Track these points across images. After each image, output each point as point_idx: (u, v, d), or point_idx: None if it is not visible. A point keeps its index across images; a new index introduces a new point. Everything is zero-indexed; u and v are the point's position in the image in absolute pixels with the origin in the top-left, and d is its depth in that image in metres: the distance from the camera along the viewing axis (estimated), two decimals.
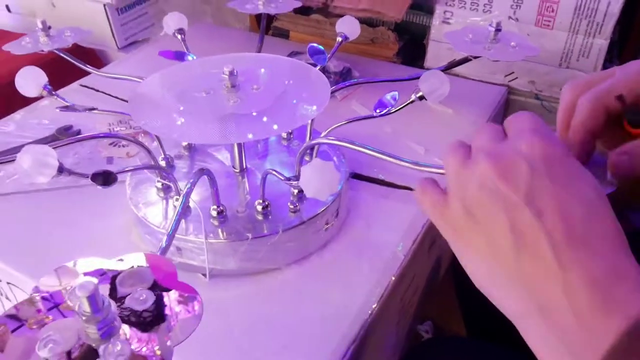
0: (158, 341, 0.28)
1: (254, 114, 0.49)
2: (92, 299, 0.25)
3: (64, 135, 0.73)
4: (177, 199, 0.53)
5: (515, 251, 0.28)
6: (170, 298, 0.30)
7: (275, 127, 0.48)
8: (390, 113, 0.54)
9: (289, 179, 0.48)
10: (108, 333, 0.26)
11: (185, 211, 0.53)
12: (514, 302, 0.30)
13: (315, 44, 0.65)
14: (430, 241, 0.61)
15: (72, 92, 0.84)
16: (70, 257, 0.55)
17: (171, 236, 0.38)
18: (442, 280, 0.77)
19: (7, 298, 0.59)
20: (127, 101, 0.79)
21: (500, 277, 0.30)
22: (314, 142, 0.50)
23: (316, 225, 0.53)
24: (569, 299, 0.26)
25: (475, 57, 0.62)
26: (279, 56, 0.62)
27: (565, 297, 0.26)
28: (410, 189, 0.62)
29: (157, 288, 0.30)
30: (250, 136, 0.46)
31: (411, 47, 0.91)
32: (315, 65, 0.62)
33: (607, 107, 0.36)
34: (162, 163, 0.59)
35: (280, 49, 0.90)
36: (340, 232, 0.56)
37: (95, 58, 1.06)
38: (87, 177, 0.43)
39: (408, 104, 0.54)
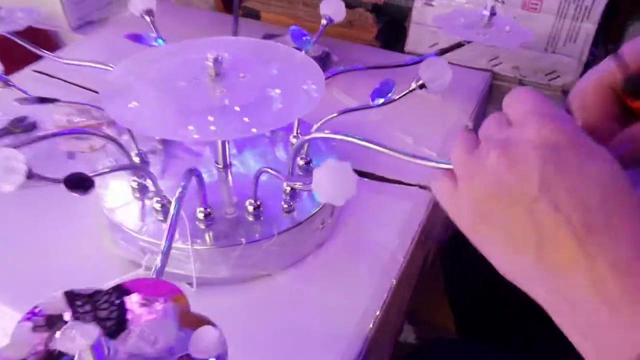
0: None
1: (238, 106, 0.44)
2: (97, 348, 0.20)
3: (18, 128, 0.66)
4: (157, 201, 0.48)
5: (536, 244, 0.27)
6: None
7: (271, 121, 0.43)
8: (390, 102, 0.50)
9: (291, 180, 0.44)
10: None
11: (171, 217, 0.48)
12: (541, 295, 0.28)
13: (296, 27, 0.60)
14: (425, 237, 0.58)
15: (23, 78, 0.76)
16: (38, 265, 0.49)
17: (166, 254, 0.33)
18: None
19: None
20: (85, 88, 0.74)
21: (524, 270, 0.29)
22: (309, 137, 0.46)
23: (312, 226, 0.49)
24: (597, 289, 0.25)
25: (468, 42, 0.59)
26: (260, 40, 0.58)
27: (594, 288, 0.25)
28: (403, 183, 0.59)
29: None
30: (254, 130, 0.41)
31: (390, 29, 0.87)
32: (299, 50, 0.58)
33: (612, 86, 0.34)
34: (136, 159, 0.54)
35: (253, 31, 0.84)
36: (335, 231, 0.53)
37: (48, 39, 0.98)
38: (60, 182, 0.37)
39: (409, 92, 0.50)
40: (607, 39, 0.76)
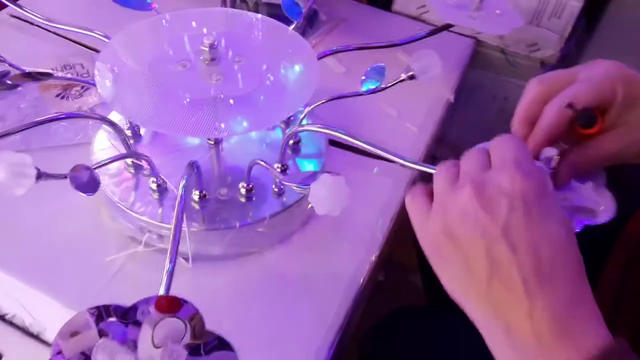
0: None
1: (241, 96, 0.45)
2: None
3: (3, 85, 0.65)
4: (153, 181, 0.50)
5: (488, 276, 0.32)
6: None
7: (271, 116, 0.45)
8: (380, 90, 0.52)
9: (286, 180, 0.46)
10: None
11: (163, 194, 0.51)
12: (482, 319, 0.33)
13: None
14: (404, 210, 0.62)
15: (1, 23, 0.74)
16: (36, 238, 0.51)
17: (171, 273, 0.35)
18: None
19: None
20: (70, 40, 0.72)
21: (472, 295, 0.33)
22: (301, 129, 0.48)
23: (300, 207, 0.52)
24: (532, 323, 0.30)
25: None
26: (251, 14, 0.57)
27: (529, 322, 0.30)
28: (386, 159, 0.61)
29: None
30: (245, 124, 0.43)
31: None
32: (290, 22, 0.58)
33: (570, 116, 0.38)
34: (128, 133, 0.55)
35: None
36: None
37: None
38: (65, 177, 0.39)
39: (397, 82, 0.52)
40: (588, 14, 0.78)
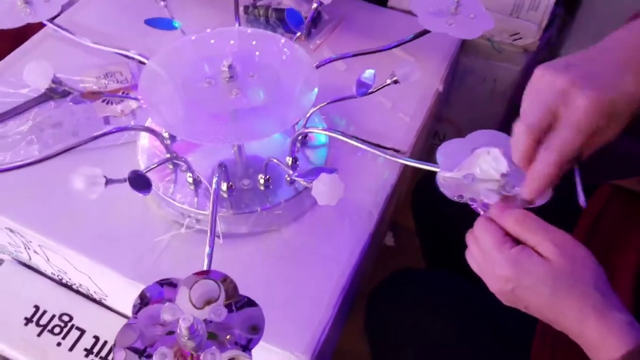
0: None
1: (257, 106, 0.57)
2: (192, 328, 0.36)
3: (55, 94, 0.77)
4: (190, 176, 0.62)
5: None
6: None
7: (281, 121, 0.56)
8: (369, 94, 0.63)
9: (295, 177, 0.58)
10: (201, 347, 0.38)
11: (198, 186, 0.63)
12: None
13: (292, 9, 0.70)
14: (397, 189, 0.74)
15: (47, 36, 0.85)
16: (99, 222, 0.64)
17: (210, 255, 0.48)
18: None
19: (46, 257, 0.69)
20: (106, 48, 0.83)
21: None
22: (305, 131, 0.59)
23: (309, 191, 0.64)
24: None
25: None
26: (261, 31, 0.67)
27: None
28: (380, 146, 0.72)
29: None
30: (258, 134, 0.55)
31: None
32: (294, 33, 0.68)
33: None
34: (166, 135, 0.67)
35: None
36: None
37: None
38: (124, 182, 0.51)
39: (384, 86, 0.62)
40: (567, 1, 0.86)
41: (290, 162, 0.63)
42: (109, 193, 0.67)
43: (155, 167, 0.55)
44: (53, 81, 0.65)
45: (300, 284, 0.60)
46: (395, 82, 0.61)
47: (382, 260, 1.01)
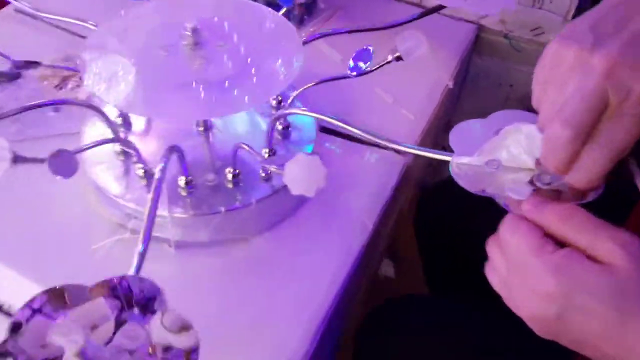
0: None
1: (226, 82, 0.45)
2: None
3: (2, 77, 0.66)
4: (140, 168, 0.50)
5: None
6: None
7: (251, 98, 0.44)
8: (367, 73, 0.51)
9: (267, 162, 0.46)
10: None
11: (151, 181, 0.51)
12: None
13: None
14: (397, 196, 0.61)
15: (6, 18, 0.75)
16: (25, 225, 0.52)
17: (143, 254, 0.35)
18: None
19: None
20: (72, 33, 0.73)
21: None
22: (286, 112, 0.47)
23: (288, 192, 0.51)
24: None
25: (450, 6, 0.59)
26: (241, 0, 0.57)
27: None
28: (379, 147, 0.60)
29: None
30: (222, 111, 0.43)
31: None
32: (279, 7, 0.57)
33: None
34: (118, 120, 0.55)
35: None
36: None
37: None
38: (43, 161, 0.39)
39: (384, 64, 0.51)
40: None
41: (267, 155, 0.51)
42: (40, 190, 0.56)
43: (90, 147, 0.44)
44: (13, 63, 0.55)
45: (271, 308, 0.47)
46: (398, 58, 0.50)
47: (378, 292, 0.88)
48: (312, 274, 0.50)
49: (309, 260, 0.51)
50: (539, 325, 0.33)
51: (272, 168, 0.43)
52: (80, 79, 0.67)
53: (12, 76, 0.67)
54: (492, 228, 0.36)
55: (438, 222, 0.67)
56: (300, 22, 0.76)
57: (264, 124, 0.57)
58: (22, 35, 0.74)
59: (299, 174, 0.37)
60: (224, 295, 0.48)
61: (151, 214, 0.38)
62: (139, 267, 0.35)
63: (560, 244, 0.33)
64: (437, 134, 0.71)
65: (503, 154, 0.37)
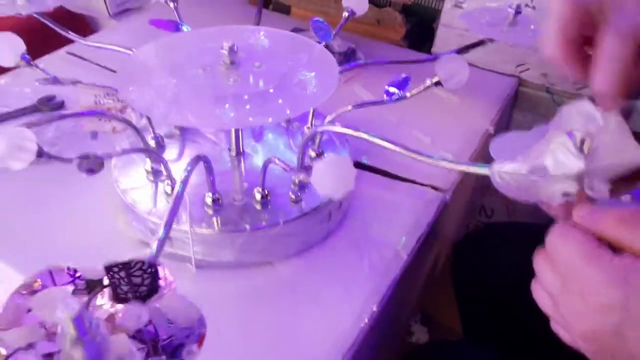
0: None
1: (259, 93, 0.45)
2: (79, 320, 0.21)
3: (45, 106, 0.68)
4: (168, 184, 0.49)
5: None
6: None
7: (284, 110, 0.43)
8: (404, 98, 0.50)
9: (295, 171, 0.44)
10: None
11: (174, 199, 0.49)
12: None
13: (319, 19, 0.60)
14: (433, 238, 0.58)
15: (58, 59, 0.79)
16: (52, 242, 0.51)
17: (163, 240, 0.34)
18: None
19: None
20: (114, 71, 0.76)
21: None
22: (320, 129, 0.46)
23: (318, 218, 0.49)
24: None
25: (491, 41, 0.58)
26: (280, 30, 0.58)
27: None
28: (415, 182, 0.58)
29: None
30: (250, 120, 0.42)
31: (418, 30, 0.86)
32: (318, 43, 0.58)
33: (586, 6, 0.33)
34: (152, 143, 0.55)
35: (281, 25, 0.84)
36: (341, 225, 0.53)
37: (85, 24, 1.01)
38: (69, 161, 0.38)
39: (423, 90, 0.50)
40: None
41: (297, 181, 0.50)
42: (70, 206, 0.55)
43: (120, 154, 0.43)
44: (50, 79, 0.56)
45: (291, 337, 0.44)
46: (437, 83, 0.49)
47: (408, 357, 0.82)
48: (338, 306, 0.46)
49: (336, 291, 0.47)
50: (593, 343, 0.29)
51: (301, 177, 0.41)
52: (121, 111, 0.69)
53: (55, 106, 0.69)
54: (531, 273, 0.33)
55: (476, 266, 0.62)
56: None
57: (296, 151, 0.56)
58: (71, 73, 0.77)
59: (328, 174, 0.35)
60: (244, 320, 0.45)
61: (172, 213, 0.36)
62: (157, 253, 0.32)
63: (614, 249, 0.29)
64: (477, 178, 0.68)
65: (548, 160, 0.34)
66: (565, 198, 0.33)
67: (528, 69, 0.77)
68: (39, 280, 0.28)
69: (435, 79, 0.48)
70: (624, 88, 0.32)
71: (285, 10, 0.94)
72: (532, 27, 0.56)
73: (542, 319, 0.33)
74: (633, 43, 0.31)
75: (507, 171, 0.35)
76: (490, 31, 0.56)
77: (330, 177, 0.35)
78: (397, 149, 0.42)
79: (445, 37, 0.81)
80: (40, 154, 0.37)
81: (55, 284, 0.29)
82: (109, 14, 0.98)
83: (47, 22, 0.59)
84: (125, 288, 0.31)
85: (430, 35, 0.83)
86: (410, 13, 0.85)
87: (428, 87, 0.49)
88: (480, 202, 0.95)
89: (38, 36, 0.64)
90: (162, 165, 0.48)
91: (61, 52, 0.80)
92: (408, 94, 0.50)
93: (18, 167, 0.36)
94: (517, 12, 0.56)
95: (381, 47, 0.84)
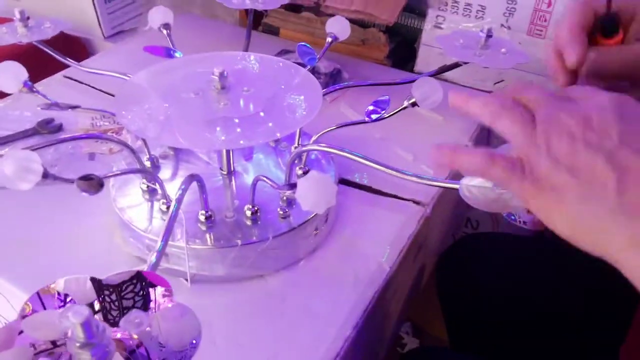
0: None
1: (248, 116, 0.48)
2: (87, 325, 0.24)
3: (45, 129, 0.71)
4: (163, 203, 0.52)
5: (616, 188, 0.29)
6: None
7: (274, 132, 0.47)
8: (383, 119, 0.53)
9: (281, 188, 0.47)
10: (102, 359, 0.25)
11: (170, 216, 0.52)
12: (614, 238, 0.30)
13: (304, 44, 0.64)
14: (416, 250, 0.61)
15: (55, 83, 0.82)
16: (51, 258, 0.54)
17: (161, 252, 0.37)
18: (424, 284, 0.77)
19: None
20: (112, 95, 0.79)
21: (599, 217, 0.30)
22: (305, 148, 0.49)
23: (306, 232, 0.52)
24: None
25: (465, 63, 0.62)
26: (268, 56, 0.61)
27: None
28: (398, 197, 0.61)
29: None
30: (241, 142, 0.45)
31: (402, 49, 0.90)
32: (304, 66, 0.61)
33: (595, 11, 0.42)
34: (147, 163, 0.58)
35: (270, 47, 0.89)
36: (328, 238, 0.56)
37: (81, 47, 1.04)
38: (72, 182, 0.41)
39: (400, 110, 0.53)
40: None
41: (285, 198, 0.53)
42: (70, 223, 0.58)
43: (119, 174, 0.46)
44: (51, 104, 0.59)
45: (281, 348, 0.46)
46: (414, 104, 0.52)
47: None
48: (325, 316, 0.49)
49: (324, 301, 0.50)
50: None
51: (287, 193, 0.45)
52: (117, 133, 0.72)
53: (54, 129, 0.72)
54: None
55: (459, 275, 0.65)
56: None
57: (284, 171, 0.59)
58: (68, 97, 0.80)
59: (310, 190, 0.38)
60: (236, 332, 0.47)
61: (168, 229, 0.39)
62: (156, 265, 0.35)
63: None
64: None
65: None
66: (530, 214, 0.36)
67: (506, 86, 0.80)
68: (30, 304, 0.31)
69: (412, 100, 0.52)
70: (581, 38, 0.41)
71: (275, 31, 0.98)
72: (503, 50, 0.60)
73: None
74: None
75: (474, 185, 0.39)
76: (464, 54, 0.60)
77: (313, 194, 0.38)
78: (377, 166, 0.45)
79: (426, 56, 0.85)
80: (46, 175, 0.40)
81: (44, 308, 0.31)
82: (104, 36, 1.02)
83: (46, 49, 0.62)
84: (114, 313, 0.32)
85: (412, 54, 0.87)
86: (394, 33, 0.89)
87: (405, 107, 0.53)
88: (465, 215, 0.99)
89: (35, 60, 0.67)
90: (157, 185, 0.51)
91: (58, 76, 0.83)
92: (386, 115, 0.53)
93: (25, 187, 0.39)
94: (489, 35, 0.59)
95: (366, 66, 0.87)
